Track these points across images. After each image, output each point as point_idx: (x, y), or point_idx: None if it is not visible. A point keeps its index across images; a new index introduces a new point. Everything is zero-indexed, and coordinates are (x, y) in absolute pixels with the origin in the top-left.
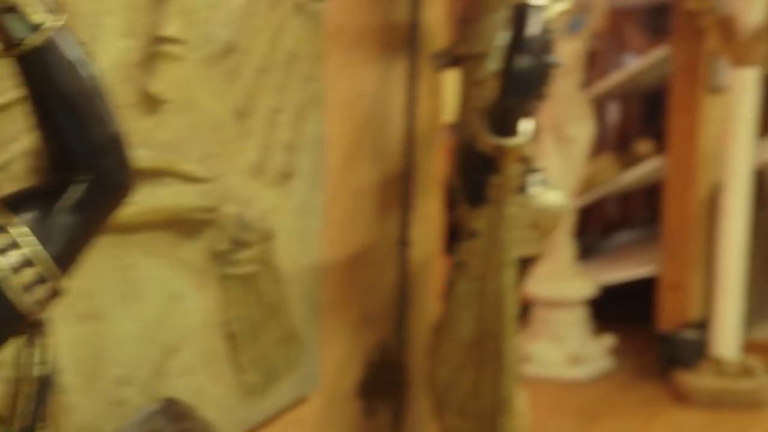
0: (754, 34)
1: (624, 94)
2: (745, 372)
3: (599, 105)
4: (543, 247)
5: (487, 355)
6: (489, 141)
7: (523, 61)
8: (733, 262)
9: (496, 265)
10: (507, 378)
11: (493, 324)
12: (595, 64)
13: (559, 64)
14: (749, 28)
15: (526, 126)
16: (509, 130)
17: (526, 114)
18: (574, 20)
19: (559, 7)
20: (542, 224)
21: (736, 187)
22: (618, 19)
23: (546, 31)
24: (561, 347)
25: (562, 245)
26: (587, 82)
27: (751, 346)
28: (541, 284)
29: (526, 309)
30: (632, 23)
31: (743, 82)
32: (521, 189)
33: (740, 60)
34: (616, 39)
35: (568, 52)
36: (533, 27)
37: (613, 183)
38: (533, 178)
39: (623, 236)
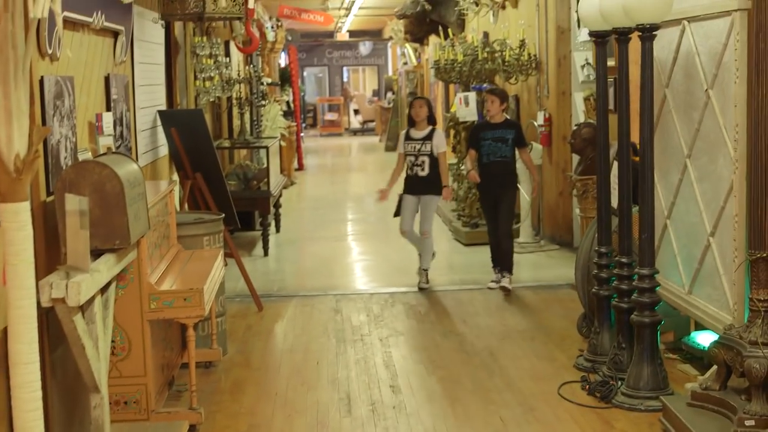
0: (19, 167)
1: None
2: None
3: None
4: None
5: None
6: None
7: None
8: (31, 417)
9: None
10: None
11: None
12: None
13: None
14: (14, 161)
15: None
16: None
17: None
18: None
19: None
20: None
21: (23, 332)
22: None
23: None
24: None
25: None
26: None
27: None
28: None
29: None
30: None
31: (17, 218)
32: None
33: (8, 195)
34: None
35: None
36: None
37: None
38: None
39: None
